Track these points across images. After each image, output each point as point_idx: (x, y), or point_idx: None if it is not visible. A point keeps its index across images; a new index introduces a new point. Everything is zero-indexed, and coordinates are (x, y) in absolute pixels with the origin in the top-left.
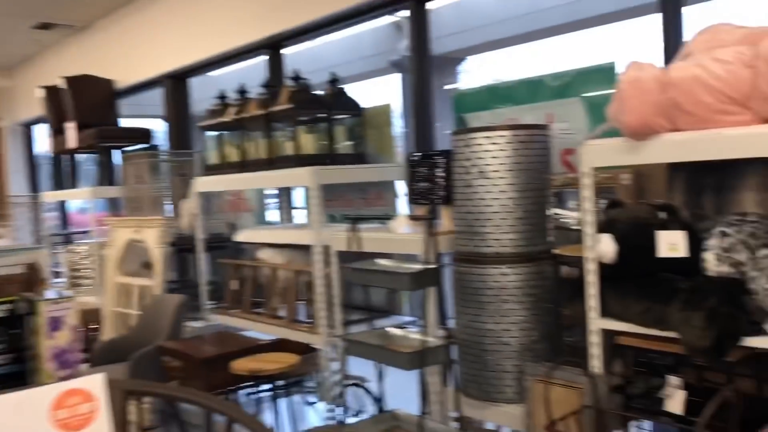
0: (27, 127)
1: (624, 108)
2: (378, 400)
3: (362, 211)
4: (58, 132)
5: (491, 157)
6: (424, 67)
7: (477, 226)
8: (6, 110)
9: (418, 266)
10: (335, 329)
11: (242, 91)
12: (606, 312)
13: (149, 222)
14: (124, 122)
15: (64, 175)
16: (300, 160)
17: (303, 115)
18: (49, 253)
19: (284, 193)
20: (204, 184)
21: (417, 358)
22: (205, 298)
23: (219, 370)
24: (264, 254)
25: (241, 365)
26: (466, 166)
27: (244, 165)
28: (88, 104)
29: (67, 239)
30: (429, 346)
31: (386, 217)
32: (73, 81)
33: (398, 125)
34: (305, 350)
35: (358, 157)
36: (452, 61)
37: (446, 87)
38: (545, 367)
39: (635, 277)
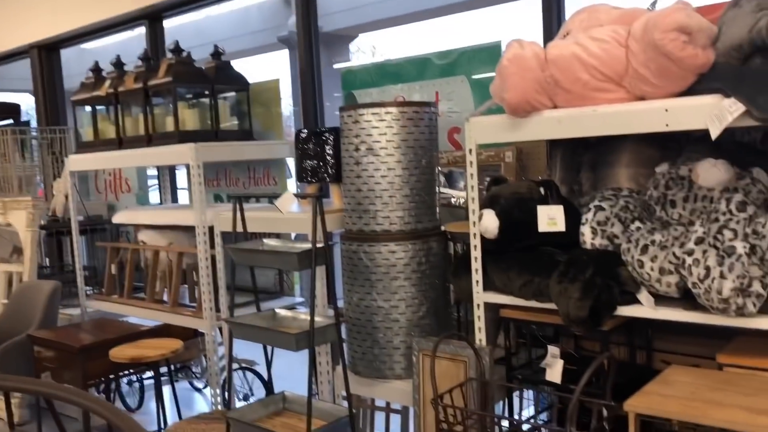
0: None
1: (505, 85)
2: (268, 383)
3: (250, 190)
4: None
5: (379, 134)
6: (311, 43)
7: (366, 204)
8: None
9: (305, 245)
10: (221, 313)
11: (118, 64)
12: (490, 286)
13: (17, 203)
14: None
15: None
16: (181, 137)
17: (183, 88)
18: None
19: (167, 173)
20: (77, 162)
21: (303, 339)
22: (81, 284)
23: (97, 359)
24: (145, 236)
25: (120, 353)
26: (354, 143)
27: (121, 142)
28: None
29: None
30: (316, 326)
31: (274, 196)
32: None
33: (287, 102)
34: (190, 335)
35: (243, 134)
36: (343, 38)
37: (336, 65)
38: (431, 342)
39: (517, 251)
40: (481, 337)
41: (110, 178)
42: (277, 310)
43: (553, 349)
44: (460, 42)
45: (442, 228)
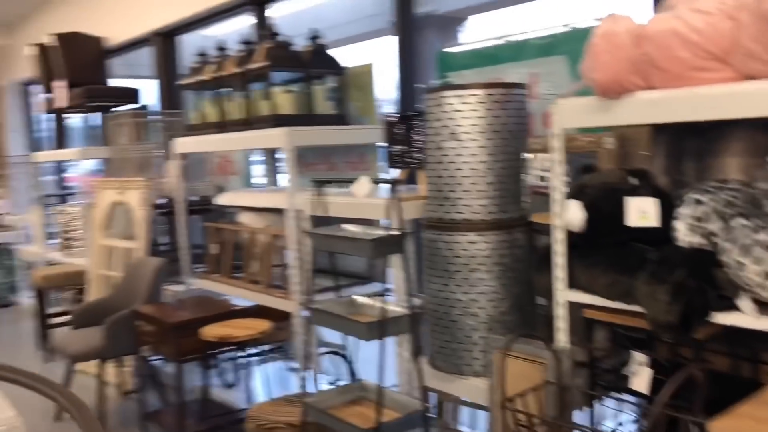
0: (25, 86)
1: (595, 64)
2: (351, 370)
3: (346, 175)
4: (48, 91)
5: (462, 118)
6: (407, 25)
7: (446, 191)
8: (5, 69)
9: (380, 232)
10: (308, 296)
11: (221, 49)
12: (574, 283)
13: (132, 184)
14: (119, 83)
15: (56, 135)
16: (275, 121)
17: (279, 73)
18: (42, 213)
19: (270, 156)
20: (184, 144)
21: (375, 329)
22: (187, 262)
23: (190, 336)
24: (245, 218)
25: (210, 331)
26: (436, 127)
27: (222, 125)
28: (78, 62)
29: (62, 200)
30: (390, 316)
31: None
32: (62, 38)
33: (387, 86)
34: (283, 316)
35: (338, 119)
36: (454, 20)
37: (447, 49)
38: (509, 340)
39: (604, 247)
40: (562, 338)
41: (220, 160)
42: (356, 297)
43: (638, 356)
44: (565, 22)
45: (530, 218)
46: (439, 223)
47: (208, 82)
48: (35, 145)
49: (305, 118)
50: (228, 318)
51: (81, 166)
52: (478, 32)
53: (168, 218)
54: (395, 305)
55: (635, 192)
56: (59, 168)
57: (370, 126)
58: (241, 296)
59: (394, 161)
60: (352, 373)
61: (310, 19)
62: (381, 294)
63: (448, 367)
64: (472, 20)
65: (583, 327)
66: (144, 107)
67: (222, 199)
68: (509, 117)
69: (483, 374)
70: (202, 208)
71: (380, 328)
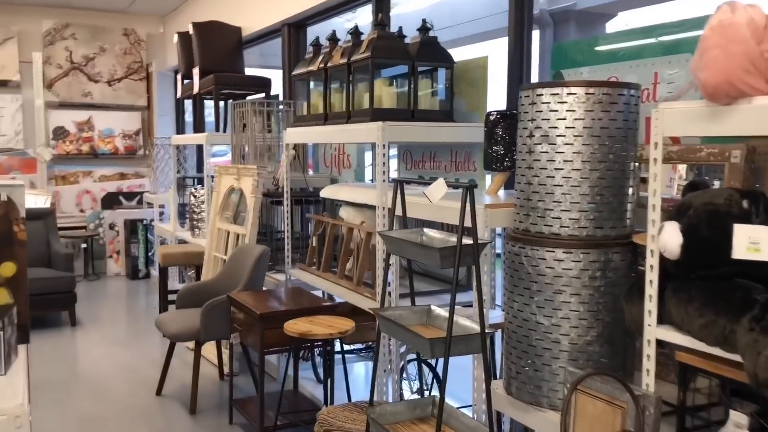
0: (175, 72)
1: (704, 61)
2: (438, 379)
3: (448, 175)
4: (186, 77)
5: (557, 119)
6: (521, 19)
7: (535, 200)
8: (158, 56)
9: (452, 241)
10: (391, 297)
11: (332, 39)
12: (666, 319)
13: (246, 171)
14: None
15: (193, 120)
16: (374, 115)
17: (381, 64)
18: (178, 194)
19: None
20: (291, 135)
21: (440, 346)
22: (288, 252)
23: (276, 328)
24: (345, 213)
25: (293, 326)
26: (528, 128)
27: (327, 117)
28: (214, 51)
29: (198, 182)
30: (462, 333)
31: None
32: (200, 27)
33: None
34: (370, 317)
35: (443, 115)
36: (600, 17)
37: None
38: (584, 375)
39: (703, 280)
40: (648, 381)
41: (335, 152)
42: (433, 307)
43: (737, 417)
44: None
45: (632, 238)
46: (524, 236)
47: (317, 73)
48: (182, 129)
49: (406, 113)
50: (315, 314)
51: (223, 150)
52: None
53: (278, 207)
54: (470, 321)
55: (746, 218)
56: (201, 151)
57: (474, 124)
58: (333, 292)
59: (491, 163)
60: (439, 383)
61: (448, 11)
62: (469, 305)
63: (523, 395)
64: (622, 17)
65: (679, 368)
66: (274, 97)
67: (325, 192)
68: (613, 120)
69: (560, 408)
70: (310, 199)
71: (446, 346)
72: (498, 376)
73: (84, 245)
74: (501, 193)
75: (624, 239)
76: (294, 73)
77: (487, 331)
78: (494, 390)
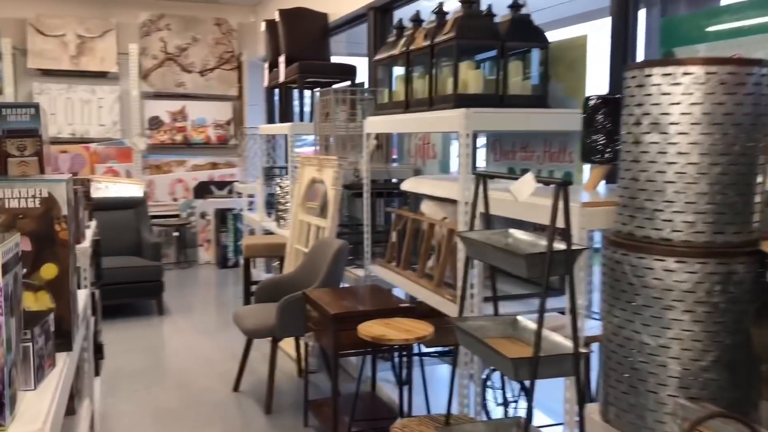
0: (264, 61)
1: None
2: (526, 391)
3: (542, 167)
4: (273, 66)
5: (670, 104)
6: None
7: (642, 199)
8: (249, 45)
9: (541, 246)
10: (473, 301)
11: (416, 20)
12: None
13: (328, 162)
14: (341, 61)
15: (279, 109)
16: (458, 101)
17: (467, 46)
18: (263, 185)
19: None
20: (372, 124)
21: (525, 368)
22: (367, 248)
23: (350, 329)
24: (426, 207)
25: (367, 329)
26: (635, 114)
27: (408, 105)
28: (299, 38)
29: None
30: (552, 352)
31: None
32: (286, 14)
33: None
34: (450, 329)
35: (536, 100)
36: None
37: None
38: (704, 410)
39: None
40: None
41: (420, 142)
42: (520, 319)
43: None
44: None
45: (761, 246)
46: (627, 240)
47: (398, 57)
48: (272, 119)
49: (494, 98)
50: (392, 315)
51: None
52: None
53: (359, 200)
54: (562, 337)
55: None
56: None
57: (575, 111)
58: (412, 292)
59: (589, 154)
60: (527, 395)
61: None
62: (562, 310)
63: (623, 425)
64: None
65: None
66: (359, 85)
67: (406, 184)
68: (738, 105)
69: None
70: (393, 191)
71: (532, 367)
72: (593, 397)
73: (176, 233)
74: (600, 188)
75: (750, 246)
76: (375, 58)
77: (582, 351)
78: (588, 415)
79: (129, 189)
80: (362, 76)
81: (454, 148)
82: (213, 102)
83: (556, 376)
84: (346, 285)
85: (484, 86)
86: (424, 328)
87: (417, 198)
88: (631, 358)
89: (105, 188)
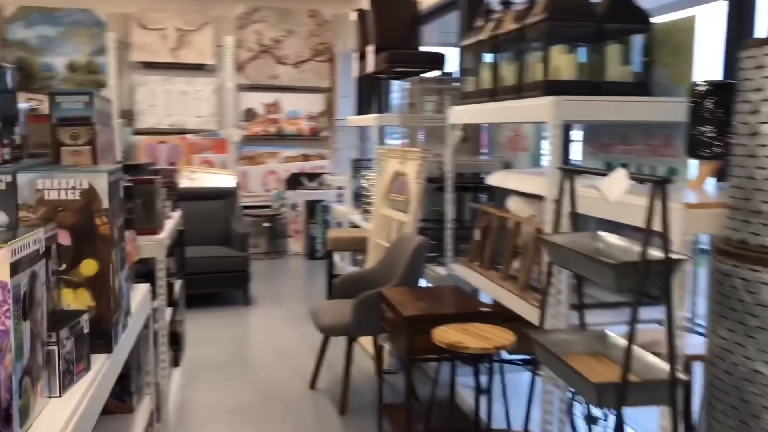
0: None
1: None
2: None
3: (643, 161)
4: (362, 56)
5: None
6: None
7: (758, 201)
8: (343, 36)
9: (634, 254)
10: (560, 312)
11: (505, 2)
12: None
13: (411, 154)
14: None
15: (366, 100)
16: (548, 88)
17: (559, 28)
18: (351, 177)
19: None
20: (456, 114)
21: (610, 395)
22: (449, 245)
23: (424, 333)
24: (514, 203)
25: (442, 334)
26: (752, 102)
27: (495, 93)
28: (389, 27)
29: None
30: (646, 377)
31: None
32: (377, 3)
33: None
34: (534, 327)
35: (636, 87)
36: None
37: None
38: None
39: None
40: None
41: (511, 134)
42: (609, 334)
43: None
44: None
45: None
46: (739, 249)
47: (486, 42)
48: (365, 110)
49: (589, 85)
50: (471, 320)
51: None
52: None
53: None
54: (657, 358)
55: None
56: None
57: (681, 99)
58: (494, 295)
59: (696, 147)
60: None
61: None
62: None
63: None
64: None
65: None
66: (448, 75)
67: (492, 179)
68: None
69: None
70: (478, 185)
71: (619, 394)
72: (695, 426)
73: (267, 224)
74: (709, 187)
75: None
76: (462, 44)
77: (680, 377)
78: None
79: (221, 180)
80: (453, 66)
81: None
82: (306, 94)
83: (648, 405)
84: (427, 284)
85: (577, 72)
86: (505, 336)
87: (504, 193)
88: (741, 387)
89: (198, 178)
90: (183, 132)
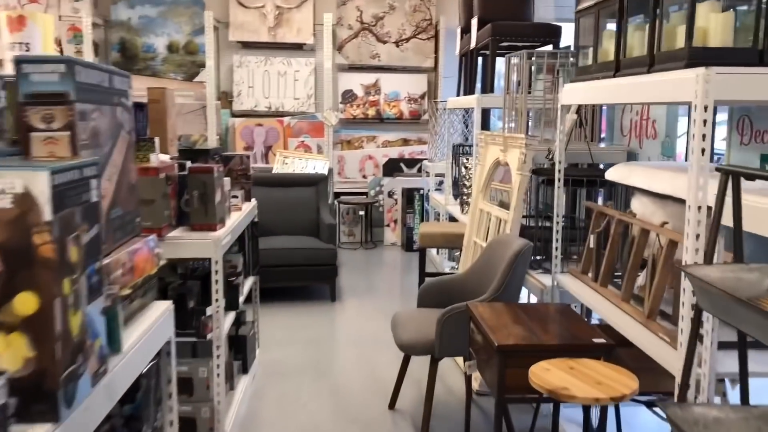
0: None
1: None
2: None
3: None
4: (465, 31)
5: None
6: None
7: None
8: (447, 11)
9: None
10: (703, 347)
11: None
12: None
13: (514, 140)
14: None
15: (472, 79)
16: (692, 58)
17: None
18: (452, 164)
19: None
20: (570, 94)
21: None
22: (556, 251)
23: (519, 367)
24: (638, 204)
25: (540, 374)
26: None
27: (619, 67)
28: None
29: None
30: None
31: None
32: None
33: None
34: (661, 371)
35: None
36: None
37: None
38: None
39: None
40: None
41: (637, 117)
42: None
43: None
44: None
45: None
46: None
47: (608, 4)
48: (470, 90)
49: (749, 54)
50: (581, 354)
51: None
52: None
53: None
54: None
55: None
56: (484, 115)
57: None
58: (611, 318)
59: None
60: None
61: None
62: None
63: None
64: None
65: None
66: (563, 49)
67: (613, 172)
68: None
69: None
70: (594, 179)
71: None
72: None
73: (362, 212)
74: None
75: None
76: (578, 8)
77: None
78: None
79: (315, 165)
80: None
81: (683, 124)
82: (407, 74)
83: None
84: (526, 298)
85: (734, 36)
86: (625, 382)
87: (627, 190)
88: None
89: (291, 164)
90: (280, 114)
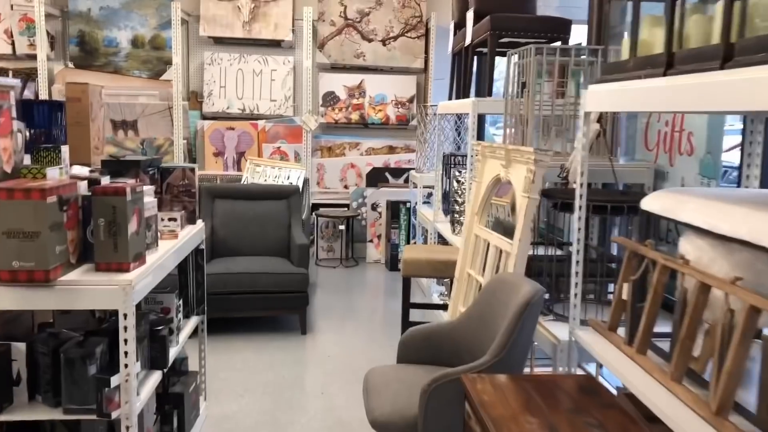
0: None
1: None
2: None
3: None
4: (459, 26)
5: None
6: None
7: None
8: (439, 7)
9: None
10: None
11: None
12: None
13: (518, 154)
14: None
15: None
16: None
17: None
18: (442, 175)
19: (762, 126)
20: (597, 97)
21: None
22: (575, 300)
23: None
24: (691, 246)
25: None
26: None
27: (672, 62)
28: None
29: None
30: None
31: None
32: None
33: None
34: None
35: None
36: None
37: None
38: None
39: None
40: None
41: (667, 128)
42: None
43: None
44: None
45: None
46: None
47: None
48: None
49: None
50: None
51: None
52: None
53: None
54: None
55: None
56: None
57: None
58: (656, 405)
59: None
60: None
61: None
62: None
63: None
64: None
65: None
66: (574, 46)
67: (651, 202)
68: None
69: None
70: (616, 204)
71: None
72: None
73: (342, 227)
74: None
75: None
76: None
77: None
78: None
79: (289, 174)
80: (579, 37)
81: (730, 137)
82: (395, 76)
83: None
84: (531, 373)
85: None
86: None
87: (667, 224)
88: None
89: (262, 173)
90: (255, 117)
